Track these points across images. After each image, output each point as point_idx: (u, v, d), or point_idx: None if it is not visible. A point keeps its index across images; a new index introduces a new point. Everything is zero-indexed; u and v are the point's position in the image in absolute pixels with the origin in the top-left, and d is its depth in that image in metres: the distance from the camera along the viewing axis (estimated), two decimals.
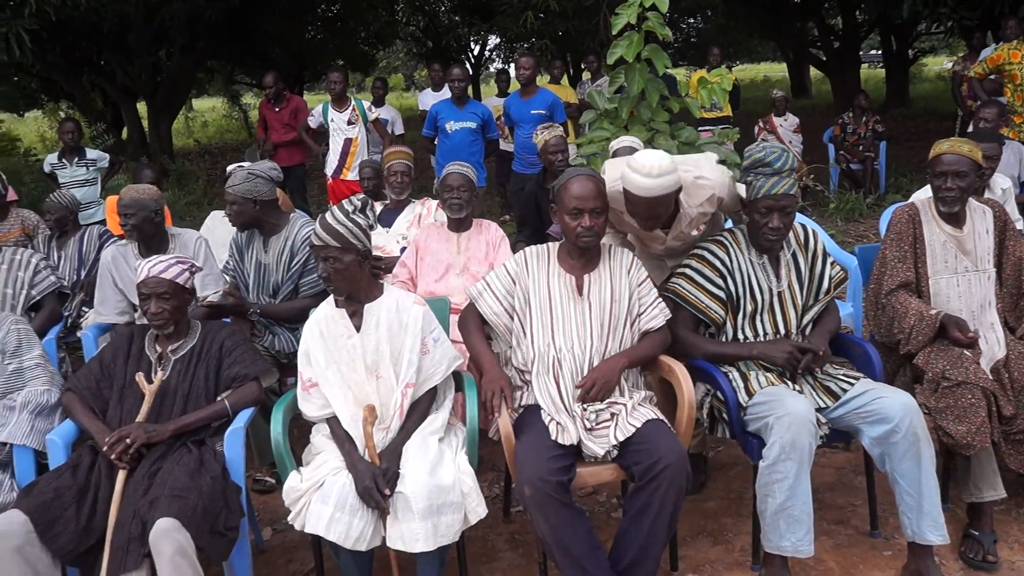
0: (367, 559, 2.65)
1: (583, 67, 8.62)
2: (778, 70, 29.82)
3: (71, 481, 2.56)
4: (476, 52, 21.99)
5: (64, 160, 6.23)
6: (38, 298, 3.94)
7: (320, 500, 2.50)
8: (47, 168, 6.20)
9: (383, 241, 4.61)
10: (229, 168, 5.24)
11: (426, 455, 2.59)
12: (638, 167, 2.79)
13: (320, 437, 2.78)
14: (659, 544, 2.61)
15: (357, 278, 2.72)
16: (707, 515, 3.29)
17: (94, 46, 11.81)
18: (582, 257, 2.89)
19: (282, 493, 2.65)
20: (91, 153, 6.34)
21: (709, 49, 8.59)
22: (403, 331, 2.74)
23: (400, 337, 2.74)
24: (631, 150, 4.32)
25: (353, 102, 6.58)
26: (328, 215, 2.69)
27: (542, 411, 2.75)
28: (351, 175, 6.52)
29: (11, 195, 6.34)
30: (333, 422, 2.74)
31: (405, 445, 2.65)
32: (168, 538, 2.35)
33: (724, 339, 3.03)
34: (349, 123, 6.52)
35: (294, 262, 3.61)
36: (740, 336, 3.01)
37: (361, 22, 17.45)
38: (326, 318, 2.80)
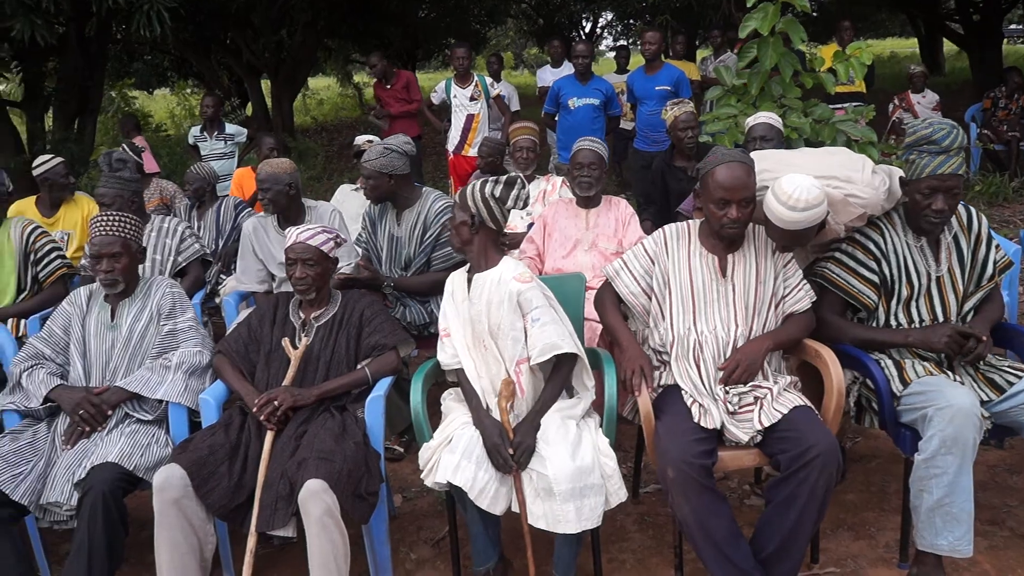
0: (494, 522, 2.65)
1: (707, 42, 8.34)
2: (906, 46, 28.21)
3: (224, 439, 2.66)
4: (588, 29, 21.74)
5: (205, 133, 6.50)
6: (183, 264, 4.14)
7: (448, 451, 2.53)
8: (191, 140, 6.49)
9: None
10: (357, 140, 5.35)
11: (566, 437, 2.55)
12: (783, 196, 2.58)
13: (449, 401, 2.81)
14: (805, 536, 2.51)
15: (470, 244, 2.75)
16: (847, 508, 3.16)
17: (222, 24, 12.24)
18: (728, 238, 2.78)
19: (418, 460, 2.68)
20: (230, 128, 6.59)
21: (839, 23, 8.17)
22: (501, 306, 2.71)
23: (499, 312, 2.71)
24: (770, 127, 4.16)
25: (476, 78, 6.59)
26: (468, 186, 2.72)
27: (683, 392, 2.68)
28: (472, 151, 6.54)
29: (152, 166, 6.68)
30: (462, 375, 2.76)
31: (543, 422, 2.62)
32: (317, 499, 2.42)
33: (875, 325, 2.88)
34: (471, 99, 6.54)
35: (427, 236, 3.64)
36: (893, 322, 2.85)
37: (474, 0, 17.48)
38: (457, 275, 2.85)
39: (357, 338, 2.95)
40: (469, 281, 2.77)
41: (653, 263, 2.86)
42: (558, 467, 2.46)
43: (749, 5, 4.76)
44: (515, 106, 7.92)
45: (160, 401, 2.88)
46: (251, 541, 2.54)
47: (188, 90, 20.38)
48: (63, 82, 9.45)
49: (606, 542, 2.99)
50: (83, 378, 2.95)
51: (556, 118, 6.46)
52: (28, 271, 3.93)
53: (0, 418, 2.91)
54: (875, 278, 2.84)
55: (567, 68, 7.89)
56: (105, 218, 3.01)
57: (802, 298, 2.81)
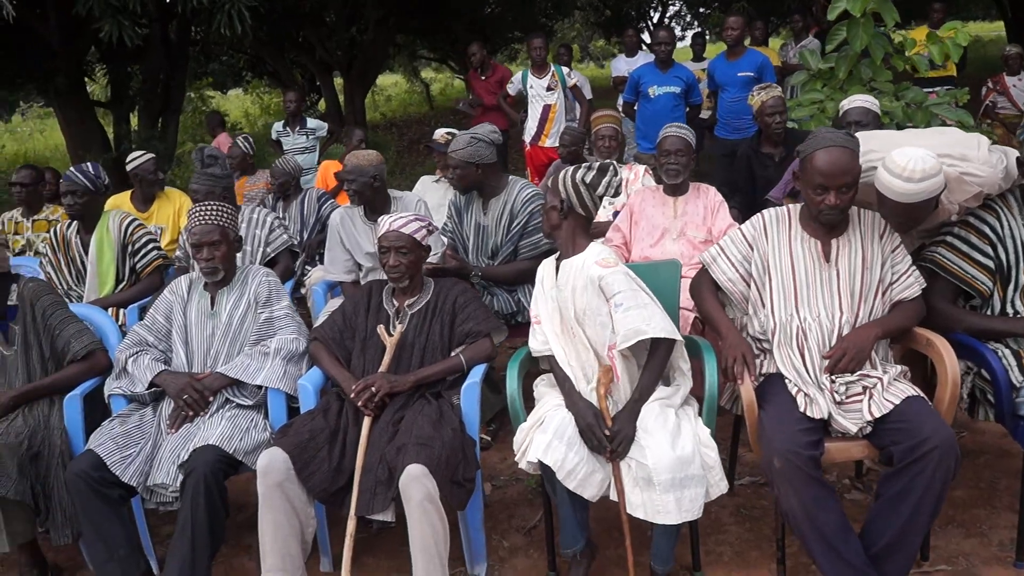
0: (582, 506, 2.61)
1: (786, 27, 8.11)
2: (990, 29, 27.06)
3: (323, 424, 2.69)
4: (656, 20, 21.44)
5: (287, 128, 6.63)
6: (272, 255, 4.21)
7: (540, 431, 2.51)
8: (273, 135, 6.63)
9: None
10: (437, 132, 5.37)
11: (665, 426, 2.50)
12: (896, 168, 2.50)
13: (542, 387, 2.79)
14: (918, 532, 2.41)
15: (559, 229, 2.72)
16: (955, 504, 3.03)
17: (295, 23, 12.47)
18: (825, 223, 2.68)
19: (513, 444, 2.67)
20: (311, 122, 6.70)
21: (931, 5, 7.87)
22: (585, 292, 2.66)
23: (584, 297, 2.66)
24: (866, 111, 4.01)
25: (553, 68, 6.56)
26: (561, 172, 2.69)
27: (786, 381, 2.60)
28: (549, 141, 6.51)
29: None
30: (553, 360, 2.73)
31: (642, 411, 2.57)
32: (418, 484, 2.42)
33: (989, 313, 2.75)
34: (548, 89, 6.50)
35: (514, 224, 3.62)
36: (1009, 310, 2.72)
37: None
38: (547, 263, 2.83)
39: (451, 325, 2.95)
40: (557, 268, 2.74)
41: (752, 249, 2.78)
42: (658, 456, 2.41)
43: None
44: (587, 95, 7.85)
45: (259, 387, 2.93)
46: (351, 525, 2.56)
47: (262, 89, 20.87)
48: (147, 82, 9.79)
49: (701, 534, 2.92)
50: (185, 364, 3.02)
51: (635, 107, 6.37)
52: (126, 262, 4.05)
53: (108, 402, 2.99)
54: (990, 263, 2.71)
55: (641, 57, 7.79)
56: (203, 208, 3.07)
57: (911, 284, 2.69)
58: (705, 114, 6.95)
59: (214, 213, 3.05)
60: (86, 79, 10.22)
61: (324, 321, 3.11)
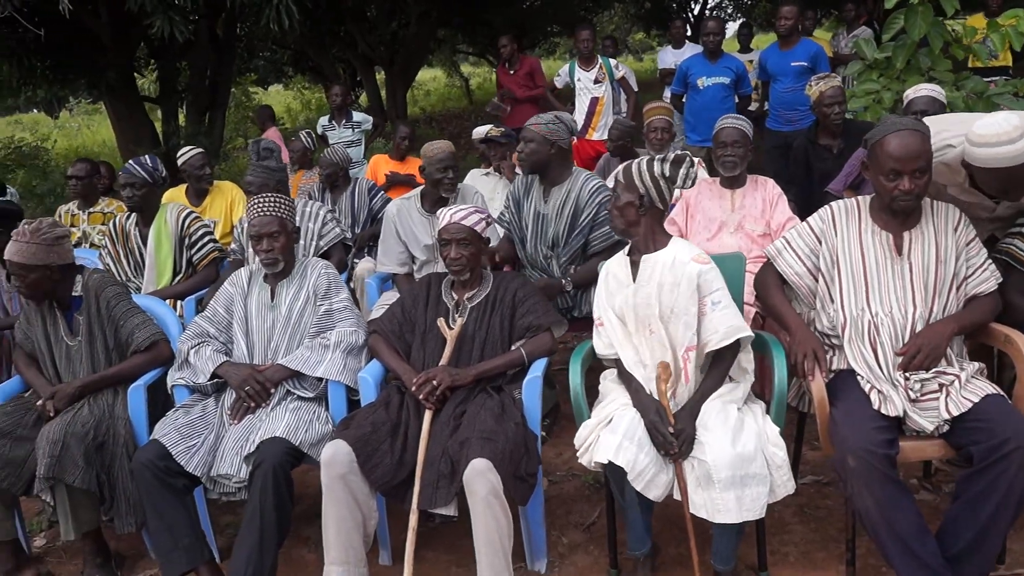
0: (648, 507, 2.57)
1: (839, 17, 7.92)
2: None
3: (385, 417, 2.69)
4: (696, 12, 21.18)
5: (333, 122, 6.65)
6: (326, 248, 4.22)
7: (609, 431, 2.46)
8: (319, 129, 6.66)
9: None
10: (480, 129, 5.34)
11: (726, 422, 2.45)
12: (987, 137, 2.45)
13: (608, 382, 2.75)
14: (998, 535, 2.33)
15: (636, 225, 2.64)
16: None
17: (338, 18, 12.54)
18: (901, 212, 2.60)
19: (575, 440, 2.64)
20: (357, 115, 6.72)
21: None
22: (675, 289, 2.59)
23: (672, 295, 2.59)
24: (932, 101, 3.91)
25: (600, 60, 6.49)
26: (634, 161, 2.63)
27: (859, 378, 2.53)
28: (596, 135, 6.46)
29: (286, 158, 6.89)
30: (620, 364, 2.69)
31: (703, 408, 2.53)
32: (482, 478, 2.40)
33: None
34: (596, 82, 6.44)
35: (582, 217, 3.52)
36: None
37: None
38: (615, 262, 2.76)
39: (511, 318, 2.93)
40: (634, 264, 2.69)
41: (820, 242, 2.72)
42: (717, 453, 2.37)
43: None
44: (634, 88, 7.76)
45: (319, 379, 2.93)
46: (413, 519, 2.55)
47: (303, 85, 21.05)
48: (194, 78, 9.90)
49: (766, 534, 2.86)
50: (246, 356, 3.03)
51: (684, 99, 6.29)
52: (183, 254, 4.08)
53: (171, 392, 3.02)
54: None
55: (689, 49, 7.68)
56: (261, 200, 3.08)
57: (987, 278, 2.61)
58: (753, 106, 6.84)
59: (273, 205, 3.06)
60: (135, 75, 10.36)
61: (383, 314, 3.10)
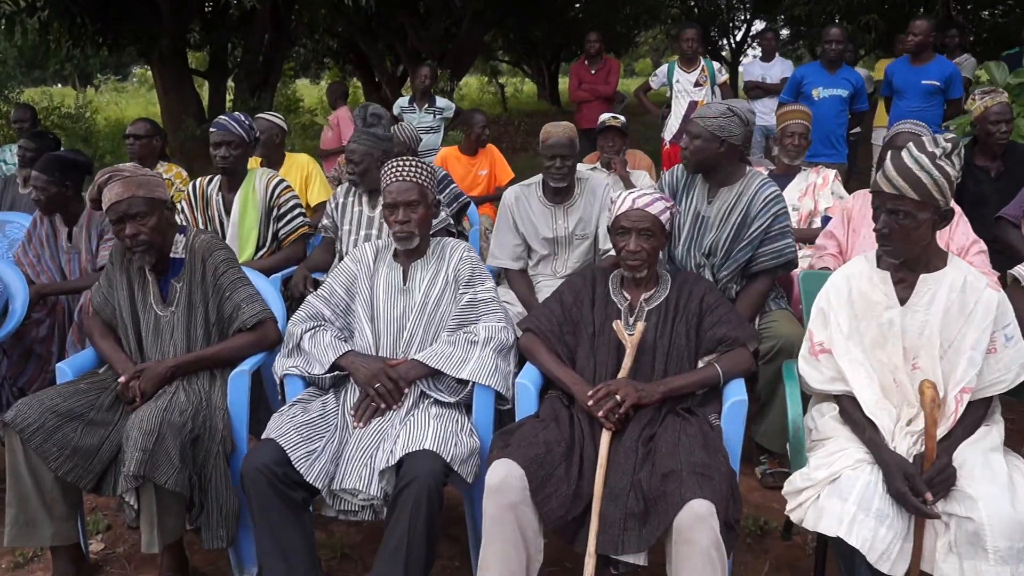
0: None
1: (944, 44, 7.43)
2: None
3: (558, 435, 2.18)
4: (739, 38, 20.78)
5: (414, 104, 6.16)
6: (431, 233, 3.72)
7: (836, 495, 1.97)
8: (396, 111, 6.17)
9: None
10: (604, 116, 4.84)
11: (995, 477, 1.96)
12: None
13: (827, 420, 2.23)
14: None
15: (925, 242, 2.13)
16: None
17: (391, 8, 12.14)
18: None
19: (784, 486, 2.14)
20: (440, 101, 6.22)
21: None
22: (964, 319, 2.11)
23: (958, 325, 2.12)
24: None
25: (703, 63, 6.03)
26: (907, 155, 2.10)
27: None
28: None
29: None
30: (847, 402, 2.19)
31: (960, 457, 2.04)
32: (704, 526, 1.90)
33: None
34: (696, 84, 5.98)
35: (754, 227, 2.96)
36: None
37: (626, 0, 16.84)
38: (861, 276, 2.24)
39: (697, 328, 2.43)
40: (899, 282, 2.19)
41: None
42: (994, 514, 1.87)
43: None
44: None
45: (460, 381, 2.44)
46: (590, 565, 2.04)
47: (336, 77, 20.61)
48: (248, 53, 9.46)
49: None
50: (372, 346, 2.54)
51: None
52: (270, 226, 3.60)
53: (281, 382, 2.52)
54: None
55: (778, 63, 7.24)
56: (400, 164, 2.60)
57: None
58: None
59: (413, 170, 2.58)
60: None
61: (537, 311, 2.60)
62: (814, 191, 4.27)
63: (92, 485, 2.36)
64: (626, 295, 2.51)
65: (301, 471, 2.16)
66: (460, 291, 2.58)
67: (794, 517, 2.07)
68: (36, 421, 2.27)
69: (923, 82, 5.40)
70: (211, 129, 3.57)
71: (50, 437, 2.28)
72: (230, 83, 9.96)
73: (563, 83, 25.98)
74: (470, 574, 2.44)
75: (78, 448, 2.32)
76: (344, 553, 2.65)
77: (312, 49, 16.56)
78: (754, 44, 24.63)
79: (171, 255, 2.55)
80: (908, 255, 2.14)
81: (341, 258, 3.57)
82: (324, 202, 4.45)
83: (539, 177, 3.56)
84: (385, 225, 3.49)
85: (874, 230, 2.16)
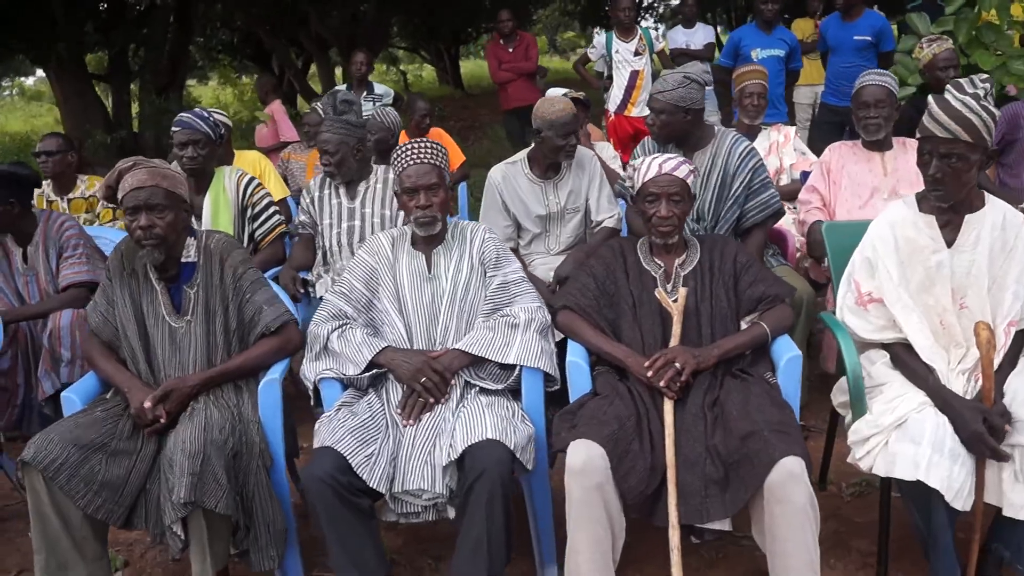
0: (952, 519, 2.12)
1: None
2: None
3: (625, 410, 2.14)
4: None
5: (353, 93, 5.95)
6: None
7: (907, 439, 2.00)
8: None
9: None
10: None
11: None
12: None
13: (879, 367, 2.26)
14: None
15: (972, 183, 2.17)
16: None
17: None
18: None
19: (849, 434, 2.17)
20: (379, 88, 6.03)
21: None
22: (1006, 255, 2.18)
23: (1000, 261, 2.18)
24: None
25: (640, 31, 6.05)
26: (954, 99, 2.13)
27: None
28: (636, 110, 6.00)
29: (292, 133, 6.17)
30: (899, 349, 2.23)
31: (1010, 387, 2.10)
32: (799, 483, 1.90)
33: None
34: (636, 54, 5.99)
35: (735, 185, 3.01)
36: None
37: None
38: (905, 223, 2.27)
39: (735, 288, 2.43)
40: (943, 225, 2.22)
41: None
42: None
43: None
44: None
45: (502, 366, 2.36)
46: (675, 537, 2.02)
47: (232, 74, 19.81)
48: (151, 53, 8.97)
49: None
50: (405, 339, 2.43)
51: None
52: (245, 227, 3.42)
53: (316, 387, 2.38)
54: None
55: (700, 28, 7.35)
56: (415, 146, 2.49)
57: None
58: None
59: (429, 152, 2.48)
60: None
61: (570, 287, 2.54)
62: (778, 149, 4.35)
63: (123, 520, 2.19)
64: (659, 262, 2.48)
65: (363, 476, 2.05)
66: (489, 274, 2.50)
67: (863, 465, 2.10)
68: (59, 457, 2.08)
69: (855, 38, 5.57)
70: (173, 128, 3.35)
71: (76, 473, 2.09)
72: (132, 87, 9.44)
73: (464, 66, 25.86)
74: (531, 561, 2.39)
75: (106, 482, 2.14)
76: (392, 559, 2.54)
77: (203, 46, 15.87)
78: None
79: (182, 259, 2.37)
80: (958, 198, 2.18)
81: (324, 255, 3.43)
82: (283, 199, 4.27)
83: (522, 154, 3.49)
84: (367, 215, 3.39)
85: (926, 175, 2.19)
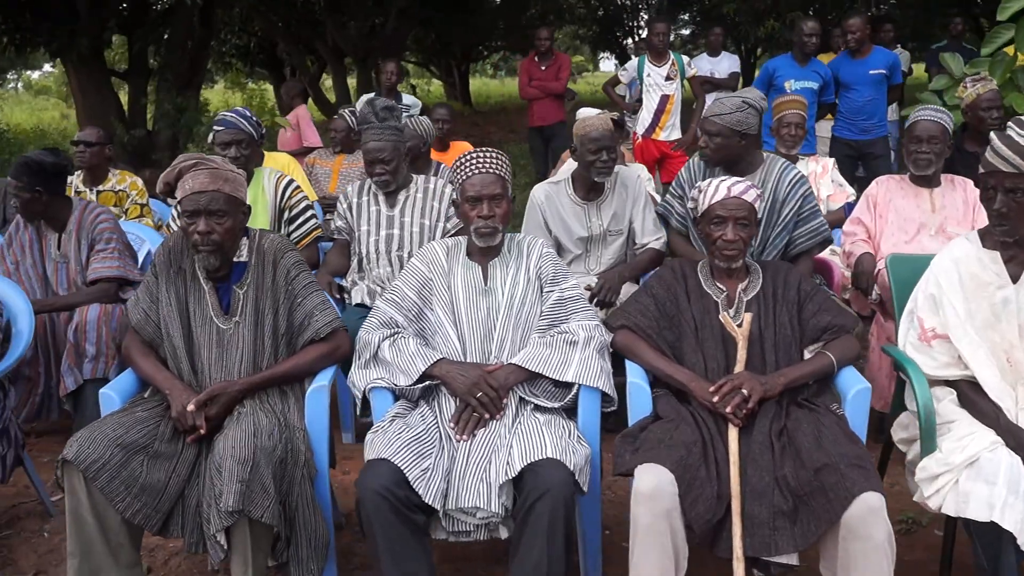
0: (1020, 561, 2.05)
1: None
2: None
3: (691, 435, 2.07)
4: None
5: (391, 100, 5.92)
6: (453, 232, 3.54)
7: (979, 479, 1.93)
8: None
9: None
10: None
11: None
12: None
13: (946, 403, 2.19)
14: None
15: None
16: None
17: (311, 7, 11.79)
18: None
19: (917, 471, 2.10)
20: (407, 98, 5.99)
21: None
22: None
23: None
24: None
25: (672, 56, 6.03)
26: (1015, 134, 2.08)
27: None
28: (664, 135, 5.99)
29: (316, 140, 6.12)
30: (965, 386, 2.17)
31: None
32: (878, 519, 1.83)
33: None
34: (667, 79, 5.97)
35: (785, 211, 2.98)
36: None
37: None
38: (969, 259, 2.22)
39: (799, 316, 2.36)
40: (1009, 260, 2.17)
41: None
42: None
43: None
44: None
45: (558, 384, 2.29)
46: (739, 569, 1.94)
47: (242, 79, 19.77)
48: (172, 53, 8.93)
49: None
50: (459, 351, 2.36)
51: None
52: (281, 229, 3.35)
53: (364, 397, 2.30)
54: None
55: (725, 57, 7.38)
56: (481, 155, 2.44)
57: None
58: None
59: (494, 161, 2.42)
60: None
61: (629, 305, 2.47)
62: (815, 179, 4.31)
63: (159, 526, 2.10)
64: (721, 286, 2.42)
65: (420, 491, 1.97)
66: (546, 289, 2.43)
67: (932, 504, 2.03)
68: (101, 457, 2.00)
69: (870, 72, 5.59)
70: (216, 128, 3.29)
71: (117, 474, 2.01)
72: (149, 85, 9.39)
73: (474, 83, 25.89)
74: None
75: (146, 485, 2.05)
76: None
77: (217, 50, 15.86)
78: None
79: (235, 259, 2.30)
80: (1022, 232, 2.14)
81: (360, 261, 3.37)
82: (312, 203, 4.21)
83: (566, 173, 3.44)
84: (406, 224, 3.33)
85: (991, 211, 2.15)
